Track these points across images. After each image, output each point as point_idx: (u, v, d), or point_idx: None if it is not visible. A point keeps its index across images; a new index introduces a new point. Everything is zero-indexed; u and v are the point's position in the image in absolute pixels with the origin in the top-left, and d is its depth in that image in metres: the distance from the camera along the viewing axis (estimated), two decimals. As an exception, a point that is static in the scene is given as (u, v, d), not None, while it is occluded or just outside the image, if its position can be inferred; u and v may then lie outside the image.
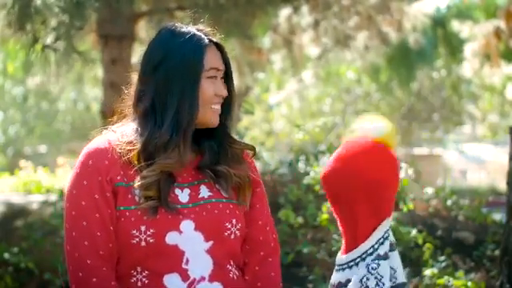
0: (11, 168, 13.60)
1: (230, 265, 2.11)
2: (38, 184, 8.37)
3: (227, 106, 2.16)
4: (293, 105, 18.07)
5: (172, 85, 2.07)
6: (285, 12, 9.20)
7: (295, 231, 5.49)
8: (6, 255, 5.36)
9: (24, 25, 4.81)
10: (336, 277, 2.22)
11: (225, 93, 2.13)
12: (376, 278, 2.12)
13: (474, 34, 11.37)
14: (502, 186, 8.16)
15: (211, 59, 2.11)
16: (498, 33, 10.31)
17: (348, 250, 2.20)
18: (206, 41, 2.11)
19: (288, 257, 5.18)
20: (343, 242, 2.24)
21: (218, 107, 2.12)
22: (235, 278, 2.11)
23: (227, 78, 2.16)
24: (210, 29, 2.16)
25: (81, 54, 5.20)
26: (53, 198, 6.98)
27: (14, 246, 5.54)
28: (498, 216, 6.06)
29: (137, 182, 2.02)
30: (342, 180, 2.19)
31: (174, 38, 2.11)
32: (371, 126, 2.23)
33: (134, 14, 6.78)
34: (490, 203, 8.06)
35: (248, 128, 11.21)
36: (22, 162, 10.60)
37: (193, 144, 2.14)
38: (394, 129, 2.23)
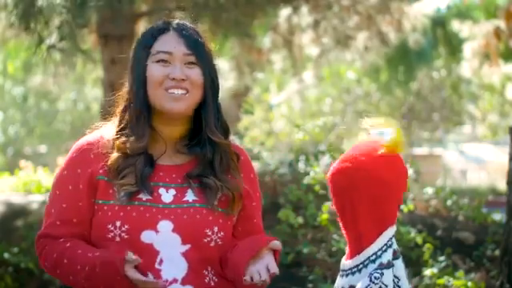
0: (11, 168, 13.59)
1: (208, 271, 2.09)
2: (38, 184, 8.36)
3: (204, 97, 2.12)
4: (293, 105, 18.06)
5: (130, 72, 2.14)
6: (285, 12, 9.19)
7: (295, 231, 5.49)
8: (6, 255, 5.35)
9: (28, 25, 4.81)
10: (340, 282, 2.21)
11: (179, 75, 2.08)
12: (380, 287, 2.11)
13: (474, 33, 11.37)
14: (502, 185, 8.17)
15: (162, 43, 2.11)
16: (497, 33, 10.31)
17: (352, 256, 2.18)
18: (162, 26, 2.14)
19: (288, 257, 5.18)
20: (347, 246, 2.22)
21: (177, 92, 2.08)
22: (212, 283, 2.09)
23: (200, 63, 2.11)
24: (180, 20, 2.18)
25: (84, 53, 5.21)
26: (53, 198, 6.97)
27: (14, 246, 5.54)
28: (498, 216, 6.06)
29: (107, 167, 2.07)
30: (347, 180, 2.17)
31: (143, 32, 2.19)
32: (381, 133, 2.20)
33: (134, 14, 6.78)
34: (489, 203, 8.06)
35: (248, 128, 11.18)
36: (22, 162, 10.59)
37: (186, 147, 2.15)
38: (401, 133, 2.19)
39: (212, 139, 2.11)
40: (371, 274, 2.11)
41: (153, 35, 2.13)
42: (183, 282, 2.03)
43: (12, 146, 25.19)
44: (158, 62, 2.09)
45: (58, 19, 4.80)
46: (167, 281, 2.02)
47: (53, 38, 4.93)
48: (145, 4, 7.14)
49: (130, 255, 1.94)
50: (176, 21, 2.16)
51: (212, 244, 2.07)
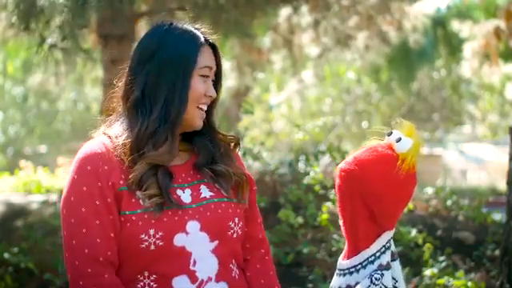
0: (11, 168, 13.58)
1: (233, 264, 2.11)
2: (38, 184, 8.35)
3: (212, 104, 2.16)
4: (293, 105, 18.07)
5: (163, 76, 2.07)
6: (285, 12, 9.20)
7: (295, 231, 5.49)
8: (6, 255, 5.35)
9: (29, 24, 4.81)
10: (337, 281, 2.21)
11: (214, 94, 2.12)
12: None
13: (474, 33, 11.37)
14: (502, 185, 8.17)
15: (205, 57, 2.11)
16: (497, 33, 10.32)
17: (349, 255, 2.19)
18: (202, 39, 2.12)
19: (288, 257, 5.18)
20: (345, 246, 2.23)
21: (204, 108, 2.11)
22: (237, 277, 2.12)
23: (217, 79, 2.16)
24: (206, 29, 2.17)
25: (85, 52, 5.22)
26: (53, 197, 6.98)
27: (14, 246, 5.54)
28: (498, 216, 6.06)
29: (130, 179, 2.00)
30: (352, 183, 2.17)
31: (169, 32, 2.12)
32: (399, 140, 2.18)
33: (134, 13, 6.78)
34: (490, 203, 8.06)
35: (248, 128, 11.20)
36: (22, 162, 10.58)
37: (185, 143, 2.15)
38: (420, 144, 2.18)
39: (212, 134, 2.16)
40: (372, 275, 2.11)
41: (194, 46, 2.10)
42: (217, 280, 2.04)
43: (12, 146, 25.20)
44: (201, 76, 2.10)
45: (59, 19, 4.80)
46: (203, 281, 2.03)
47: (54, 38, 4.94)
48: (145, 4, 7.14)
49: None
50: (206, 32, 2.15)
51: (235, 236, 2.09)
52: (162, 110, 2.05)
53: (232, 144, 2.20)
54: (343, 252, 2.24)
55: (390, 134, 2.20)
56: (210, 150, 2.14)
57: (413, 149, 2.16)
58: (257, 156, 6.32)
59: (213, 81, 2.14)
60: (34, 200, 7.18)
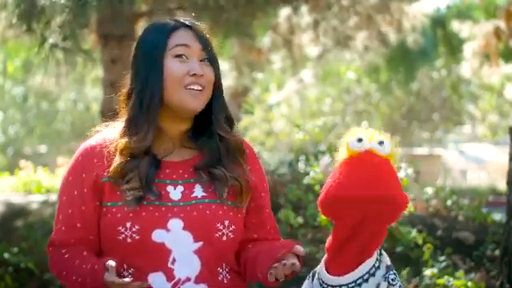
0: (11, 168, 13.58)
1: (222, 268, 2.08)
2: (38, 184, 8.36)
3: (214, 93, 2.11)
4: (293, 105, 18.07)
5: (139, 69, 2.09)
6: (284, 12, 9.20)
7: (295, 231, 5.49)
8: (6, 255, 5.35)
9: (30, 25, 4.82)
10: None
11: (199, 71, 2.06)
12: (400, 286, 2.05)
13: (474, 33, 11.38)
14: (502, 185, 8.17)
15: (178, 38, 2.08)
16: (497, 33, 10.32)
17: (348, 270, 2.06)
18: (173, 24, 2.11)
19: (288, 257, 5.17)
20: (334, 262, 2.08)
21: (196, 88, 2.06)
22: (225, 281, 2.08)
23: (212, 60, 2.11)
24: (188, 18, 2.15)
25: (86, 53, 5.22)
26: (53, 197, 6.98)
27: (14, 246, 5.54)
28: (498, 216, 6.06)
29: (110, 172, 2.05)
30: (367, 203, 2.01)
31: (146, 29, 2.16)
32: (381, 143, 2.07)
33: (134, 13, 6.79)
34: (490, 203, 8.07)
35: (248, 128, 11.21)
36: (22, 162, 10.58)
37: (190, 141, 2.13)
38: (394, 143, 2.11)
39: (219, 133, 2.11)
40: (386, 277, 2.05)
41: (163, 32, 2.09)
42: (197, 281, 2.02)
43: (12, 146, 25.20)
44: (176, 57, 2.06)
45: (60, 19, 4.80)
46: (180, 280, 2.01)
47: (54, 38, 4.95)
48: (145, 4, 7.14)
49: (110, 262, 1.92)
50: (183, 18, 2.14)
51: (224, 238, 2.04)
52: (137, 102, 2.07)
53: (240, 146, 2.15)
54: (324, 271, 2.09)
55: (360, 141, 2.09)
56: (215, 152, 2.10)
57: (393, 145, 2.09)
58: (257, 156, 6.31)
59: (203, 61, 2.09)
60: (34, 200, 7.18)
